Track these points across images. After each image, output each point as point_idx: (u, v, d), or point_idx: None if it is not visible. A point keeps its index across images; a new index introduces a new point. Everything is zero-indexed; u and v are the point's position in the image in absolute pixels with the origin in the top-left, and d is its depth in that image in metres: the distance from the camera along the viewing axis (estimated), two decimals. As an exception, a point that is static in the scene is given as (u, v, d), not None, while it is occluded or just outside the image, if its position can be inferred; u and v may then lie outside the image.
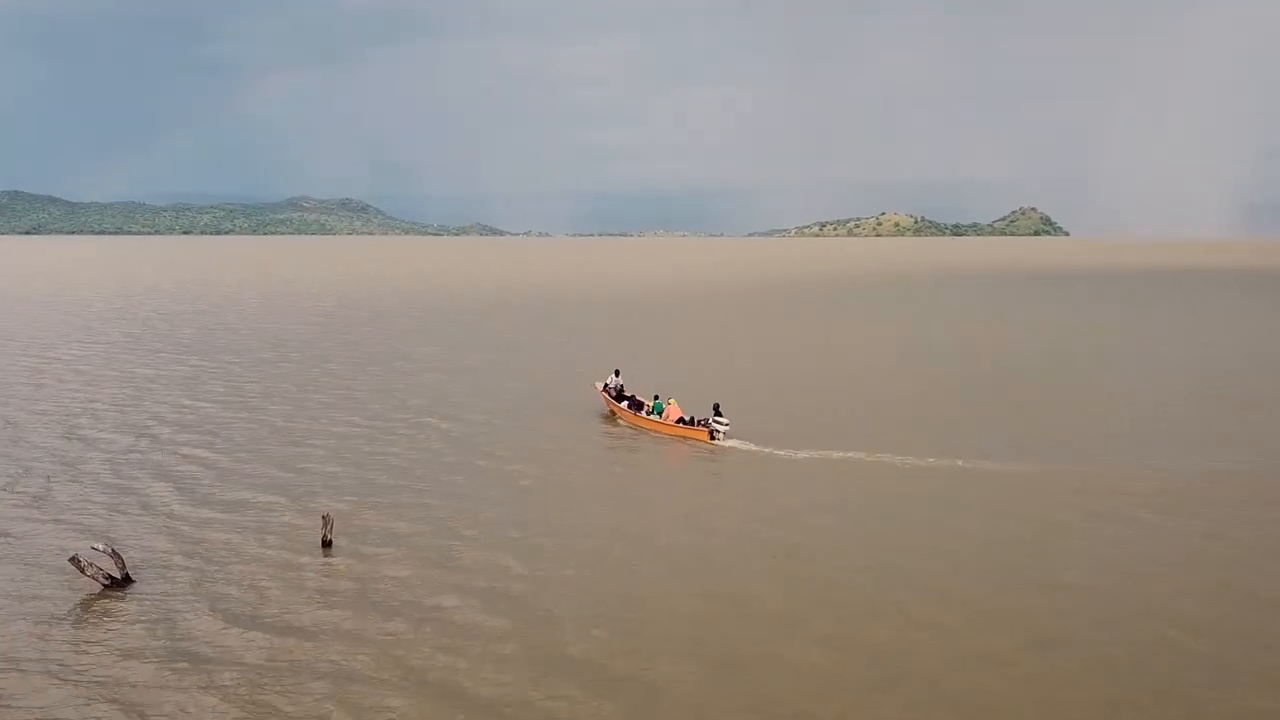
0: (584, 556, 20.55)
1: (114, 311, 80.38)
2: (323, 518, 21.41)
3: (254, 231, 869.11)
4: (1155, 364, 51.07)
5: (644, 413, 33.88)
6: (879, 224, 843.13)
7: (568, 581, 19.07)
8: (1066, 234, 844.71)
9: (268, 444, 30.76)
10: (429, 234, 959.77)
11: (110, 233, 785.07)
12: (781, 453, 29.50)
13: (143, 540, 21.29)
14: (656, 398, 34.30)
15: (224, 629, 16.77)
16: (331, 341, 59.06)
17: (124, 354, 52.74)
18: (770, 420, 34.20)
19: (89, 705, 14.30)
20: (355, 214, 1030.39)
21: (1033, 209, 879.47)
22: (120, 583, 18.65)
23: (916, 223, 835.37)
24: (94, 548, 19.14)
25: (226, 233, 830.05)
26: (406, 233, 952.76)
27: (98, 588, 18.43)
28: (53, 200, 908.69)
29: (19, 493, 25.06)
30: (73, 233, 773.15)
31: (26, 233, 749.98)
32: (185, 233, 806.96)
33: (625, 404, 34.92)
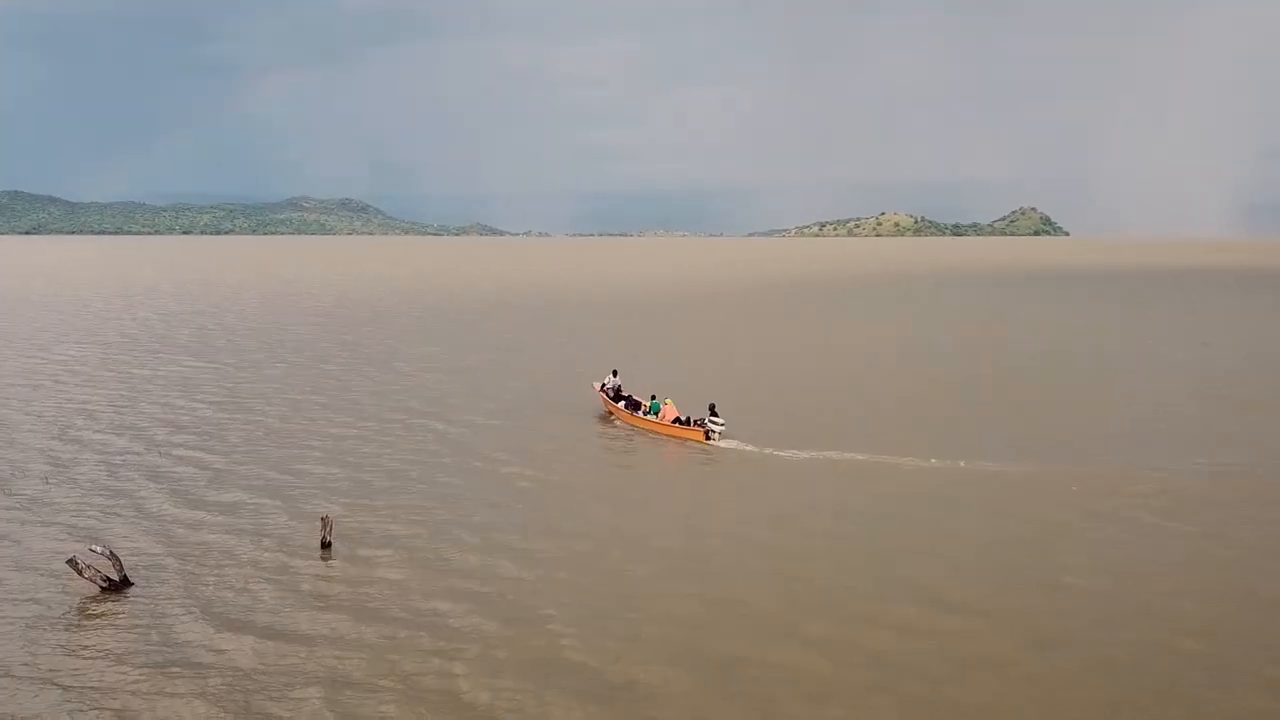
0: (581, 559, 20.45)
1: (112, 312, 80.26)
2: (321, 519, 21.32)
3: (254, 231, 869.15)
4: (1155, 364, 50.97)
5: (641, 413, 33.89)
6: (879, 224, 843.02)
7: (564, 585, 18.95)
8: (1066, 234, 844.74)
9: (265, 446, 30.65)
10: (429, 234, 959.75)
11: (110, 233, 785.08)
12: (783, 453, 29.40)
13: (141, 543, 21.18)
14: (654, 398, 34.28)
15: (220, 633, 16.66)
16: (330, 342, 58.96)
17: (121, 355, 52.62)
18: (770, 421, 34.10)
19: (82, 712, 14.18)
20: (355, 214, 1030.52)
21: (1033, 209, 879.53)
22: (118, 585, 18.55)
23: (916, 223, 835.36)
24: (92, 549, 19.04)
25: (226, 233, 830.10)
26: (406, 233, 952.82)
27: (95, 590, 18.34)
28: (53, 200, 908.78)
29: (14, 494, 24.95)
30: (73, 233, 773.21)
31: (26, 233, 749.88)
32: (185, 233, 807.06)
33: (622, 404, 34.92)
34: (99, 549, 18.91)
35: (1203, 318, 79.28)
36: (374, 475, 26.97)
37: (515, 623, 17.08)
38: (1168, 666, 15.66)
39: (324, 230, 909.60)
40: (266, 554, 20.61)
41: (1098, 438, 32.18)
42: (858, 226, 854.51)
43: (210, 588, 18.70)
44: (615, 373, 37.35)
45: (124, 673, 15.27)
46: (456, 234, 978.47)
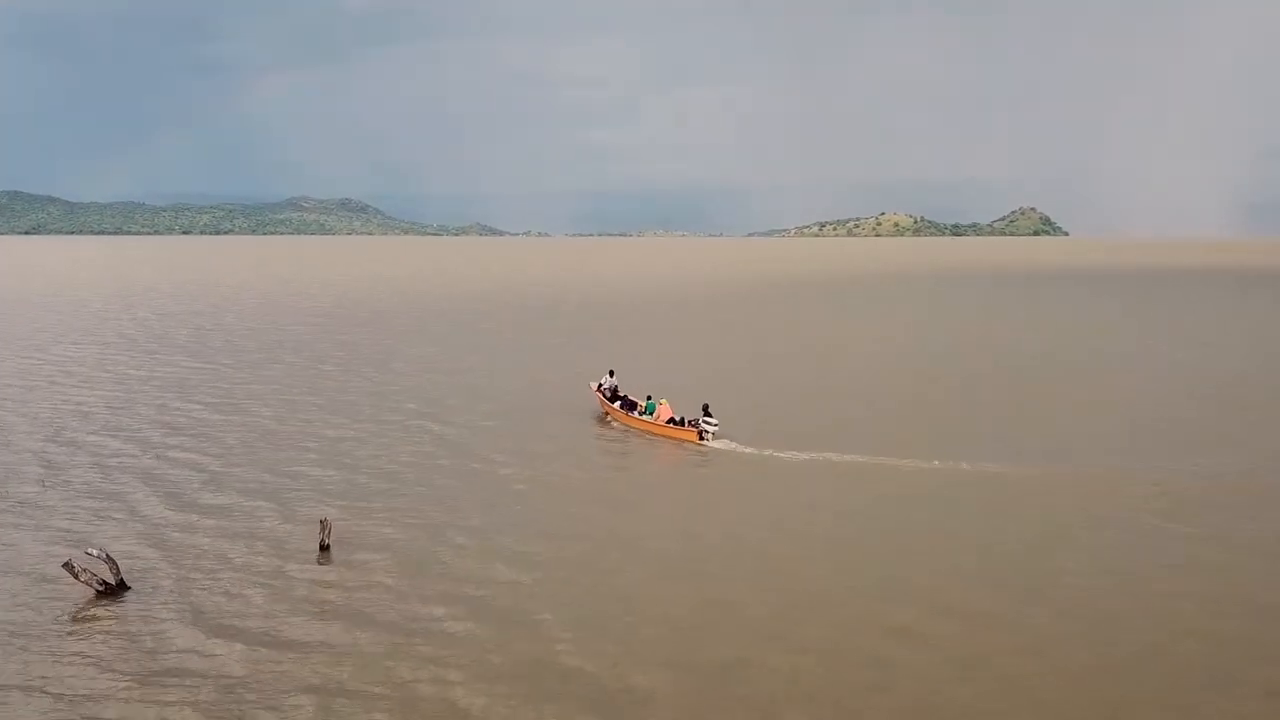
0: (576, 562, 20.30)
1: (110, 312, 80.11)
2: (320, 522, 21.21)
3: (253, 231, 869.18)
4: (1155, 364, 50.82)
5: (637, 413, 33.96)
6: (878, 224, 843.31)
7: (560, 588, 18.80)
8: (1066, 234, 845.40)
9: (263, 447, 30.50)
10: (428, 234, 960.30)
11: (110, 233, 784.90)
12: (782, 455, 29.27)
13: (137, 546, 21.01)
14: (649, 398, 34.29)
15: (213, 639, 16.49)
16: (329, 343, 58.80)
17: (119, 355, 52.45)
18: (769, 421, 33.97)
19: None
20: (355, 214, 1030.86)
21: (1032, 209, 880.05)
22: (115, 589, 18.41)
23: (916, 223, 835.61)
24: (88, 552, 18.89)
25: (226, 233, 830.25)
26: (406, 233, 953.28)
27: (91, 593, 18.19)
28: (52, 200, 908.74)
29: (8, 497, 24.79)
30: (72, 233, 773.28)
31: (26, 233, 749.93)
32: (185, 233, 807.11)
33: (618, 404, 35.00)
34: (95, 552, 18.77)
35: (1203, 318, 79.16)
36: (371, 477, 26.83)
37: (511, 627, 16.94)
38: (1166, 670, 15.54)
39: (323, 230, 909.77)
40: (263, 558, 20.46)
41: (1098, 439, 32.04)
42: (857, 226, 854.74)
43: (206, 592, 18.56)
44: (612, 373, 37.30)
45: (115, 680, 15.11)
46: (456, 234, 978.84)
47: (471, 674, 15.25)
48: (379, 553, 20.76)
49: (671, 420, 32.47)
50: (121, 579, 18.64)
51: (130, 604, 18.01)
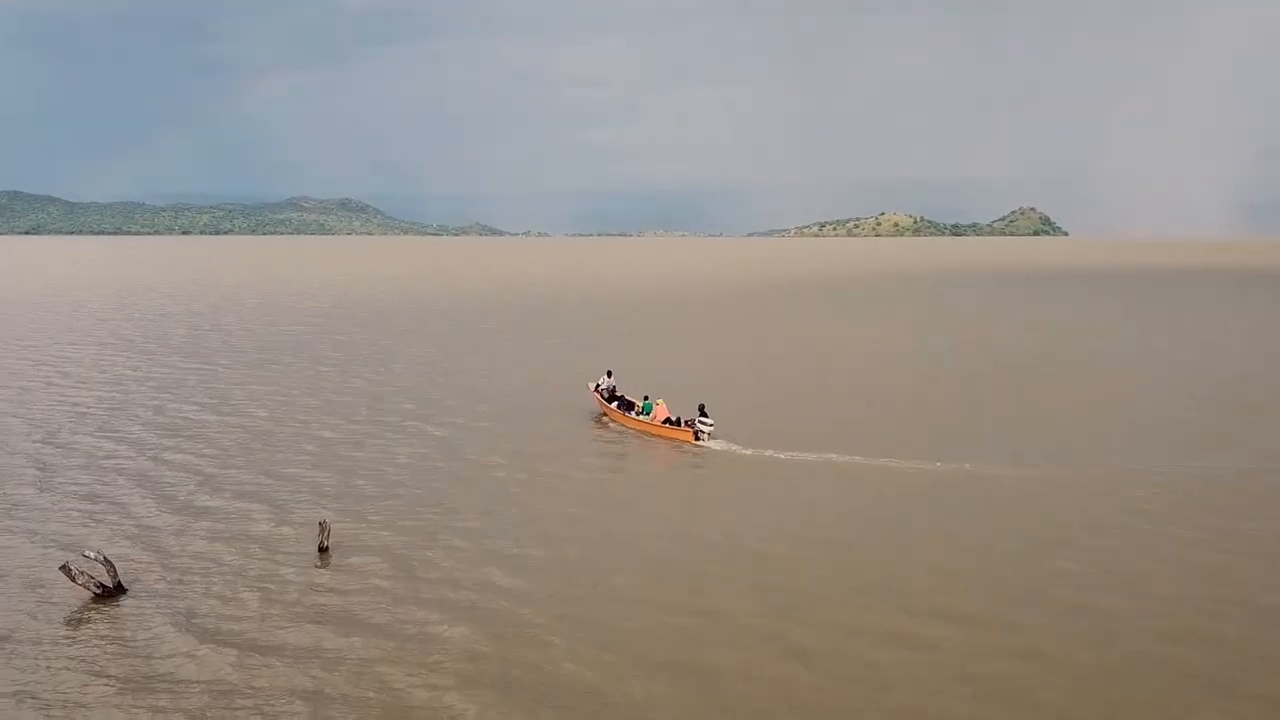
0: (573, 566, 20.16)
1: (108, 312, 79.97)
2: (319, 524, 21.10)
3: (253, 232, 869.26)
4: (1155, 364, 50.68)
5: (634, 413, 33.93)
6: (878, 224, 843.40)
7: (555, 594, 18.64)
8: (1066, 234, 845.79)
9: (259, 450, 30.36)
10: (428, 234, 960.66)
11: (110, 233, 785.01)
12: (782, 456, 29.13)
13: (133, 549, 20.85)
14: (646, 398, 34.25)
15: (208, 644, 16.34)
16: (328, 343, 58.66)
17: (116, 356, 52.29)
18: (769, 422, 33.83)
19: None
20: (354, 214, 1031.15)
21: (1032, 209, 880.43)
22: (112, 591, 18.28)
23: (916, 223, 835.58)
24: (85, 555, 18.76)
25: (226, 233, 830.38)
26: (406, 233, 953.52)
27: (89, 596, 18.06)
28: (52, 200, 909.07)
29: (2, 499, 24.62)
30: (72, 233, 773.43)
31: (26, 233, 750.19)
32: (185, 233, 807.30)
33: (615, 404, 34.96)
34: (93, 554, 18.63)
35: (1203, 318, 79.03)
36: (368, 479, 26.69)
37: (506, 634, 16.79)
38: (1166, 674, 15.41)
39: (323, 230, 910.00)
40: (259, 561, 20.32)
41: (1098, 439, 31.89)
42: (857, 227, 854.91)
43: (201, 596, 18.41)
44: (610, 374, 37.22)
45: (108, 685, 14.97)
46: (456, 234, 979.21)
47: (466, 680, 15.11)
48: (375, 556, 20.62)
49: (668, 420, 32.42)
50: (119, 582, 18.51)
51: (127, 607, 17.87)
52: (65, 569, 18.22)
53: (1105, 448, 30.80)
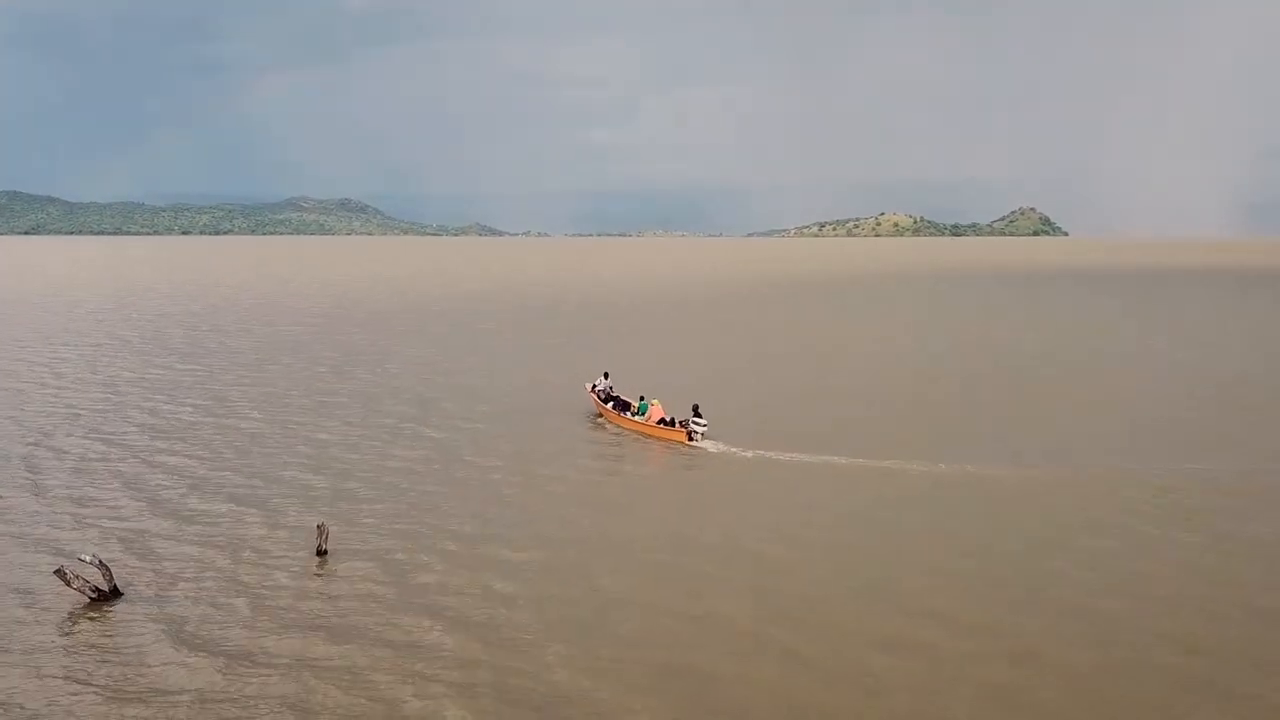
0: (567, 571, 19.96)
1: (105, 313, 79.79)
2: (318, 527, 20.97)
3: (253, 232, 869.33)
4: (1155, 364, 50.52)
5: (629, 413, 33.91)
6: (878, 224, 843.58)
7: (550, 599, 18.44)
8: (1065, 234, 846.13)
9: (256, 452, 30.16)
10: (428, 234, 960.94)
11: (109, 233, 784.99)
12: (782, 457, 28.97)
13: (128, 553, 20.63)
14: (642, 398, 34.19)
15: (200, 651, 16.14)
16: (326, 344, 58.47)
17: (111, 357, 52.10)
18: (769, 422, 33.68)
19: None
20: (354, 214, 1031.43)
21: (1032, 209, 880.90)
22: (108, 596, 18.12)
23: (916, 223, 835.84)
24: (81, 559, 18.60)
25: (225, 233, 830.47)
26: (405, 233, 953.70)
27: (84, 601, 17.89)
28: (51, 200, 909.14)
29: (-6, 503, 24.47)
30: (71, 233, 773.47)
31: (25, 233, 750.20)
32: (184, 233, 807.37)
33: (612, 405, 34.97)
34: (88, 558, 18.45)
35: (1203, 318, 78.89)
36: (363, 483, 26.51)
37: (500, 642, 16.61)
38: (1166, 677, 15.27)
39: (323, 230, 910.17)
40: (253, 565, 20.13)
41: (1097, 439, 31.73)
42: (857, 227, 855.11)
43: (193, 602, 18.20)
44: (606, 375, 37.18)
45: (98, 694, 14.77)
46: (456, 234, 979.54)
47: (459, 689, 14.92)
48: (368, 561, 20.43)
49: (662, 421, 32.40)
50: (114, 586, 18.35)
51: (121, 612, 17.68)
52: (60, 573, 18.05)
53: (1105, 448, 30.64)
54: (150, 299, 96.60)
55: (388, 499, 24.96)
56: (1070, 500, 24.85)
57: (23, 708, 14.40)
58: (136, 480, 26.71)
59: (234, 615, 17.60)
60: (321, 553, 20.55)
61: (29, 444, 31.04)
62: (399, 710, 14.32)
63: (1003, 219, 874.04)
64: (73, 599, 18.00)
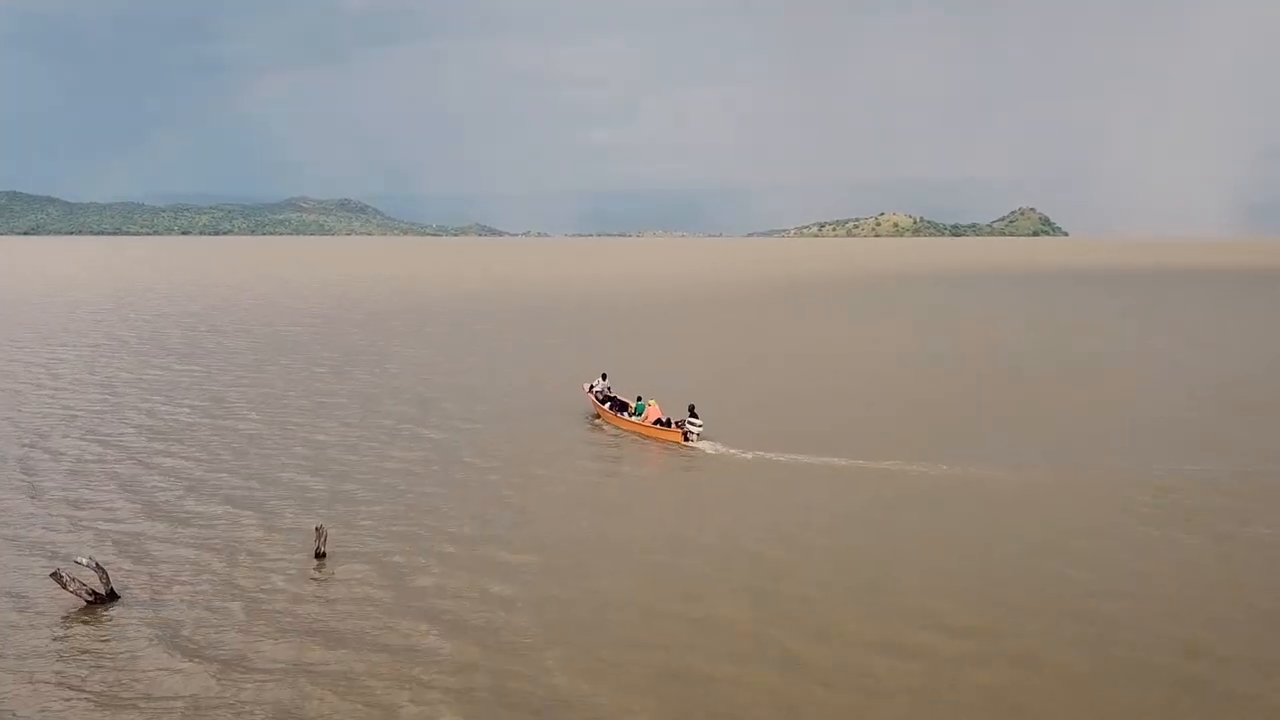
0: (565, 573, 19.86)
1: (104, 314, 79.69)
2: (316, 529, 20.88)
3: (253, 232, 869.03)
4: (1155, 364, 50.46)
5: (626, 414, 33.96)
6: (878, 224, 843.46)
7: (548, 602, 18.35)
8: (1065, 234, 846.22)
9: (253, 454, 30.06)
10: (428, 234, 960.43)
11: (109, 233, 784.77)
12: (782, 458, 28.88)
13: (124, 556, 20.54)
14: (639, 399, 34.15)
15: (195, 656, 16.03)
16: (324, 345, 58.38)
17: (109, 358, 51.99)
18: (768, 423, 33.60)
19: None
20: (354, 214, 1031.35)
21: (1032, 209, 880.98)
22: (104, 599, 18.02)
23: (915, 223, 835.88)
24: (77, 561, 18.50)
25: (225, 233, 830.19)
26: (405, 233, 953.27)
27: (80, 604, 17.79)
28: (51, 200, 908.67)
29: (-10, 505, 24.37)
30: (71, 233, 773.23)
31: (25, 233, 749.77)
32: (184, 233, 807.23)
33: (609, 405, 35.02)
34: (85, 561, 18.35)
35: (1203, 318, 78.81)
36: (361, 485, 26.40)
37: (498, 645, 16.52)
38: (1164, 683, 15.15)
39: (323, 231, 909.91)
40: (249, 569, 20.03)
41: (1097, 440, 31.64)
42: (857, 227, 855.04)
43: (189, 605, 18.10)
44: (604, 376, 37.19)
45: (92, 700, 14.67)
46: (455, 234, 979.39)
47: (456, 694, 14.82)
48: (365, 563, 20.33)
49: (659, 421, 32.39)
50: (111, 589, 18.25)
51: (116, 616, 17.58)
52: (57, 576, 17.95)
53: (1105, 449, 30.55)
54: (149, 299, 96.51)
55: (386, 501, 24.87)
56: (1070, 501, 24.77)
57: (15, 714, 14.28)
58: (133, 482, 26.62)
59: (230, 619, 17.50)
60: (320, 555, 20.47)
61: (25, 445, 30.94)
62: (395, 716, 14.21)
63: (1003, 219, 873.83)
64: (68, 602, 17.91)
